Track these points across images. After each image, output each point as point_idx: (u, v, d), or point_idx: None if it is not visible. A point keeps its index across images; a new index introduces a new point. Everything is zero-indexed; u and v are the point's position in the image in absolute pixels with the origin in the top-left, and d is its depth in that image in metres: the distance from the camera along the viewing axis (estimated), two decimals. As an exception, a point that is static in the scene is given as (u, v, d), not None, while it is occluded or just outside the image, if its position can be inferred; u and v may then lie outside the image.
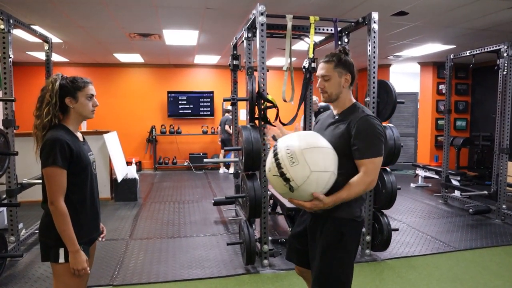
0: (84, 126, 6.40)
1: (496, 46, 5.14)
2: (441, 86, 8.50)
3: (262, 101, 3.32)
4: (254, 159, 3.18)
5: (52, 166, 1.67)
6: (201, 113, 9.48)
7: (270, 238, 3.56)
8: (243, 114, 7.97)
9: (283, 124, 3.43)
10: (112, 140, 6.07)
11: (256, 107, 3.37)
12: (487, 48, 5.33)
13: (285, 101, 3.56)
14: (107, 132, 6.03)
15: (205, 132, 9.42)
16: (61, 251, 1.71)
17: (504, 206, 5.06)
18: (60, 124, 1.80)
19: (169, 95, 9.17)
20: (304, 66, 4.69)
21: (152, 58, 8.37)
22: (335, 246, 1.84)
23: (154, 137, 9.12)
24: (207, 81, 9.60)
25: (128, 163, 6.46)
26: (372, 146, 1.78)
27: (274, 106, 3.30)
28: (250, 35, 3.87)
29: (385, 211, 3.76)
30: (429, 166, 7.39)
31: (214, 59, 8.40)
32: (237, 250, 3.89)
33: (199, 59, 8.40)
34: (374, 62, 3.58)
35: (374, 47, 3.55)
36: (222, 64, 9.07)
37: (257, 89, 3.31)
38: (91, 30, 5.54)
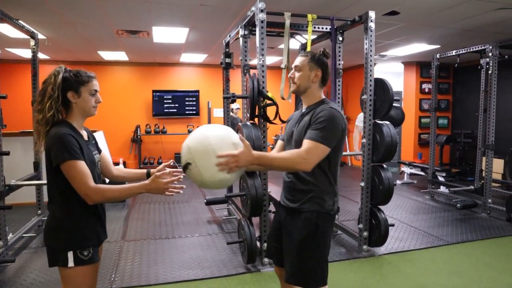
0: (69, 126, 6.22)
1: (481, 46, 5.29)
2: (424, 85, 8.69)
3: (262, 99, 3.31)
4: (255, 157, 3.16)
5: (70, 160, 1.59)
6: (186, 112, 9.37)
7: (269, 236, 3.55)
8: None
9: (283, 122, 3.43)
10: (99, 140, 5.92)
11: (256, 105, 3.35)
12: (472, 48, 5.48)
13: (283, 98, 3.55)
14: (94, 131, 5.88)
15: (190, 132, 9.29)
16: (70, 254, 1.63)
17: (489, 201, 5.21)
18: (63, 120, 1.72)
19: (154, 94, 9.03)
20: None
21: (138, 56, 8.22)
22: (310, 239, 1.85)
23: (138, 136, 8.96)
24: (193, 80, 9.50)
25: (116, 163, 6.31)
26: (325, 133, 1.77)
27: (274, 103, 3.29)
28: (246, 32, 3.84)
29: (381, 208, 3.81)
30: (415, 163, 7.55)
31: (200, 57, 8.32)
32: (235, 249, 3.87)
33: (185, 57, 8.30)
34: (370, 60, 3.62)
35: (371, 45, 3.59)
36: (208, 62, 9.00)
37: (257, 87, 3.29)
38: (79, 26, 5.38)
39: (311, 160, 1.74)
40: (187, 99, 9.34)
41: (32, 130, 4.69)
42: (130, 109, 9.09)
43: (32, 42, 4.57)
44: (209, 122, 9.23)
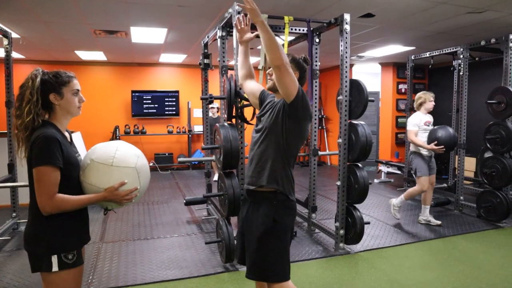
0: (45, 127, 6.11)
1: (453, 48, 5.46)
2: (401, 86, 8.89)
3: (239, 100, 3.34)
4: (232, 157, 3.19)
5: (46, 165, 1.56)
6: (166, 112, 9.32)
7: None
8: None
9: (260, 122, 3.47)
10: (77, 141, 5.83)
11: (234, 106, 3.38)
12: (445, 50, 5.66)
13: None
14: (71, 132, 5.79)
15: (170, 132, 9.27)
16: (54, 258, 1.60)
17: (462, 198, 5.39)
18: (47, 121, 1.68)
19: (133, 94, 8.94)
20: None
21: (116, 56, 8.13)
22: (269, 232, 1.90)
23: (118, 137, 8.85)
24: (172, 80, 9.46)
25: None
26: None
27: (251, 104, 3.32)
28: (224, 34, 3.86)
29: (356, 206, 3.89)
30: (391, 162, 7.72)
31: (180, 58, 8.29)
32: (213, 249, 3.89)
33: (164, 57, 8.25)
34: (346, 62, 3.70)
35: (346, 47, 3.68)
36: (187, 63, 8.97)
37: (234, 88, 3.32)
38: (54, 26, 5.30)
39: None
40: (167, 99, 9.29)
41: (5, 131, 4.59)
42: (108, 110, 8.98)
43: (5, 41, 4.48)
44: (189, 122, 9.22)
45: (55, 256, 1.60)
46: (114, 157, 1.70)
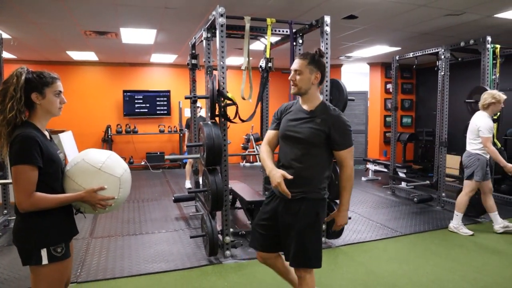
0: (37, 126, 6.19)
1: (435, 49, 5.62)
2: (389, 85, 9.05)
3: (222, 99, 3.47)
4: (215, 154, 3.32)
5: (24, 164, 1.61)
6: (157, 112, 9.42)
7: (231, 230, 3.71)
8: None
9: (242, 121, 3.61)
10: (67, 140, 5.94)
11: (217, 105, 3.50)
12: (427, 51, 5.81)
13: (243, 98, 3.73)
14: (62, 131, 5.90)
15: (162, 131, 9.38)
16: (43, 252, 1.66)
17: (443, 194, 5.55)
18: (27, 122, 1.72)
19: (125, 94, 9.03)
20: (261, 66, 4.88)
21: (107, 57, 8.23)
22: (312, 225, 2.13)
23: (109, 136, 8.95)
24: (164, 80, 9.56)
25: (85, 163, 6.33)
26: (348, 139, 2.12)
27: (234, 103, 3.45)
28: (209, 35, 3.99)
29: (338, 202, 4.02)
30: (378, 160, 7.87)
31: (170, 58, 8.39)
32: (199, 243, 4.01)
33: (155, 58, 8.36)
34: (326, 62, 3.83)
35: (327, 48, 3.81)
36: (178, 63, 9.07)
37: (217, 87, 3.44)
38: (45, 27, 5.39)
39: (352, 162, 2.16)
40: (158, 99, 9.39)
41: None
42: (100, 109, 9.06)
43: (-4, 42, 4.57)
44: (181, 121, 9.32)
45: (44, 250, 1.67)
46: (104, 163, 1.79)
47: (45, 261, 1.67)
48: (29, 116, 1.76)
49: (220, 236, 3.61)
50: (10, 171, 1.71)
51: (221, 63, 3.47)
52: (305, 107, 2.17)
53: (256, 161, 10.21)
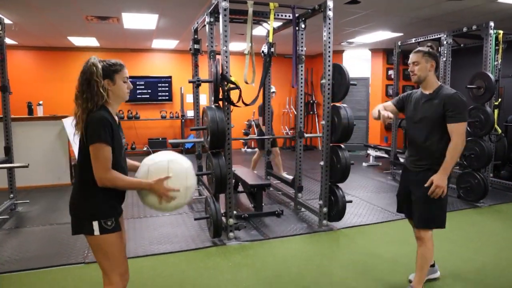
0: (40, 111, 6.24)
1: (437, 35, 5.61)
2: (390, 72, 9.06)
3: (226, 83, 3.50)
4: (219, 138, 3.37)
5: (100, 143, 1.73)
6: (159, 98, 9.45)
7: (234, 213, 3.78)
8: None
9: (246, 105, 3.65)
10: (70, 126, 5.98)
11: (220, 89, 3.53)
12: (430, 36, 5.80)
13: (246, 83, 3.76)
14: (65, 117, 5.93)
15: (163, 117, 9.41)
16: (95, 224, 1.80)
17: (443, 180, 5.59)
18: (102, 106, 1.83)
19: (127, 80, 9.02)
20: (263, 51, 4.90)
21: (109, 42, 8.21)
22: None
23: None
24: (165, 66, 9.55)
25: (88, 148, 6.38)
26: (458, 114, 2.38)
27: (237, 87, 3.49)
28: (212, 19, 4.00)
29: (340, 186, 4.09)
30: (379, 146, 7.92)
31: (172, 43, 8.38)
32: (203, 226, 4.09)
33: (157, 43, 8.34)
34: (329, 47, 3.84)
35: (329, 33, 3.82)
36: (180, 48, 9.05)
37: (221, 72, 3.47)
38: (46, 12, 5.38)
39: (464, 137, 2.40)
40: (160, 85, 9.40)
41: (0, 116, 4.71)
42: (102, 95, 9.06)
43: (-2, 27, 4.58)
44: (182, 107, 9.35)
45: (96, 222, 1.80)
46: (179, 160, 1.96)
47: (96, 232, 1.81)
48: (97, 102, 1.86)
49: (223, 219, 3.68)
50: (79, 151, 1.82)
51: (224, 47, 3.49)
52: (425, 91, 2.54)
53: (257, 147, 10.23)
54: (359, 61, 9.80)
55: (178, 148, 9.45)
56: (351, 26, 6.56)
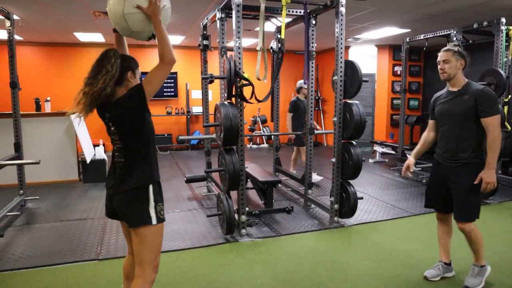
0: (48, 108, 6.23)
1: (447, 31, 5.58)
2: (396, 68, 9.02)
3: (239, 79, 3.48)
4: (232, 134, 3.36)
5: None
6: (164, 94, 9.43)
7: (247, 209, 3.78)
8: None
9: (258, 101, 3.64)
10: (78, 121, 5.97)
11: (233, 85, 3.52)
12: (439, 33, 5.77)
13: (258, 79, 3.75)
14: (73, 113, 5.91)
15: (169, 113, 9.40)
16: (153, 213, 1.88)
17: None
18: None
19: (132, 76, 9.01)
20: (272, 47, 4.89)
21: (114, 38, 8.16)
22: (472, 185, 2.53)
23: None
24: (171, 62, 9.51)
25: (96, 145, 6.39)
26: (490, 107, 2.46)
27: (250, 84, 3.47)
28: (223, 15, 3.98)
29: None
30: (386, 143, 7.91)
31: (178, 39, 8.35)
32: (214, 223, 4.09)
33: (163, 39, 8.30)
34: (341, 43, 3.83)
35: (342, 29, 3.80)
36: (186, 44, 9.03)
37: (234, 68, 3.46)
38: (53, 7, 5.36)
39: (499, 130, 2.47)
40: (165, 81, 9.33)
41: (10, 112, 4.69)
42: (107, 91, 9.05)
43: (8, 23, 4.56)
44: (188, 103, 9.34)
45: (153, 211, 1.89)
46: None
47: (154, 221, 1.89)
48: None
49: (236, 215, 3.68)
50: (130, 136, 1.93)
51: (237, 43, 3.47)
52: (453, 89, 2.63)
53: (263, 143, 10.25)
54: (365, 57, 9.75)
55: (184, 144, 9.45)
56: (358, 22, 6.52)
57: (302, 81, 5.37)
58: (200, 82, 8.61)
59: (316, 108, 10.33)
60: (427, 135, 2.90)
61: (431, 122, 2.87)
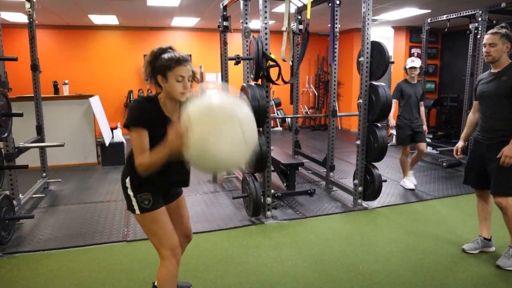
0: (66, 91, 6.23)
1: (472, 11, 5.43)
2: (413, 50, 8.85)
3: (265, 61, 3.43)
4: (260, 116, 3.33)
5: (131, 126, 1.76)
6: (178, 77, 9.37)
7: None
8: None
9: (285, 82, 3.59)
10: (96, 104, 5.98)
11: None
12: (462, 13, 5.63)
13: (284, 60, 3.69)
14: (91, 96, 5.93)
15: (183, 97, 9.36)
16: (135, 205, 1.90)
17: (473, 160, 5.53)
18: (152, 96, 1.86)
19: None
20: (293, 29, 4.81)
21: (128, 20, 8.11)
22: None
23: (131, 101, 8.97)
24: (184, 44, 9.43)
25: (113, 128, 6.40)
26: None
27: (277, 65, 3.42)
28: (247, -5, 3.90)
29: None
30: (403, 126, 7.80)
31: (192, 21, 8.25)
32: (237, 205, 4.10)
33: (177, 21, 8.22)
34: (368, 23, 3.75)
35: (369, 8, 3.72)
36: (200, 27, 8.93)
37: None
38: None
39: None
40: (180, 64, 9.30)
41: (32, 95, 4.69)
42: (121, 74, 9.03)
43: (28, 5, 4.51)
44: (201, 85, 9.27)
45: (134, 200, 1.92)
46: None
47: (137, 211, 1.92)
48: (160, 92, 1.85)
49: (261, 197, 3.68)
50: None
51: (264, 24, 3.41)
52: (494, 70, 2.70)
53: (277, 126, 10.21)
54: (380, 39, 9.60)
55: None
56: (377, 3, 6.37)
57: (412, 58, 4.66)
58: (214, 65, 8.56)
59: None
60: (472, 116, 2.95)
61: (475, 103, 2.92)
